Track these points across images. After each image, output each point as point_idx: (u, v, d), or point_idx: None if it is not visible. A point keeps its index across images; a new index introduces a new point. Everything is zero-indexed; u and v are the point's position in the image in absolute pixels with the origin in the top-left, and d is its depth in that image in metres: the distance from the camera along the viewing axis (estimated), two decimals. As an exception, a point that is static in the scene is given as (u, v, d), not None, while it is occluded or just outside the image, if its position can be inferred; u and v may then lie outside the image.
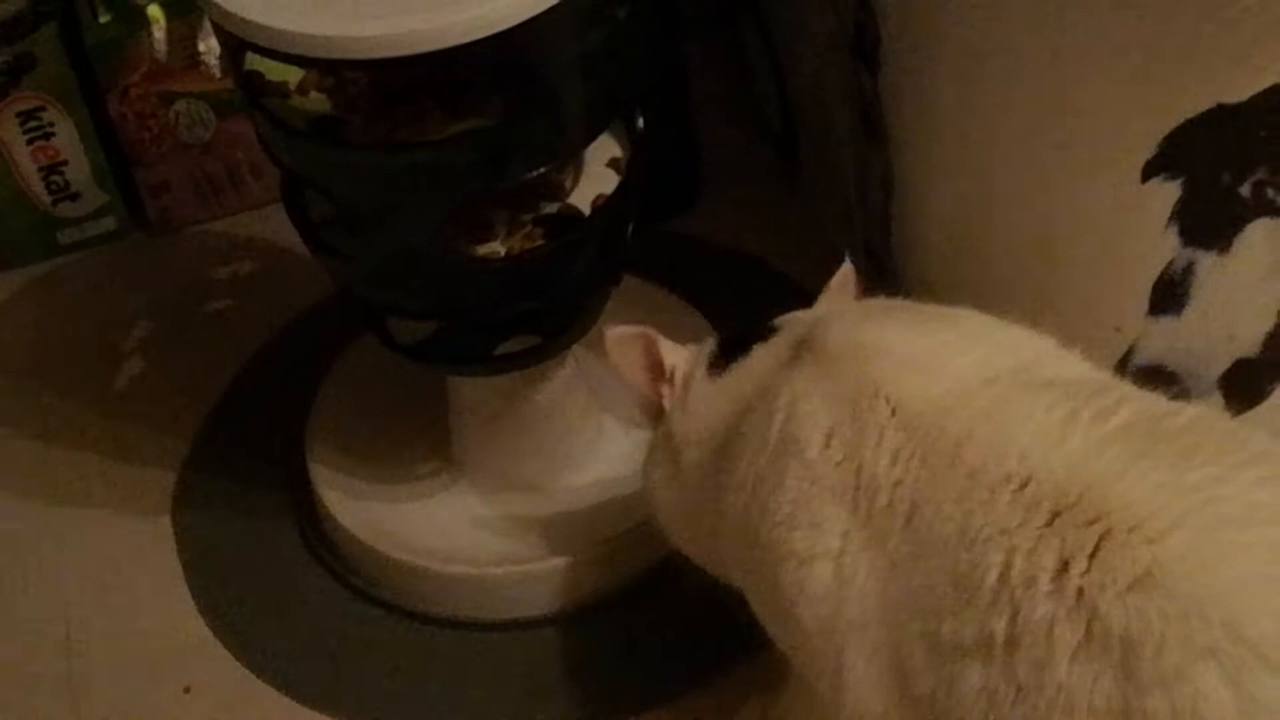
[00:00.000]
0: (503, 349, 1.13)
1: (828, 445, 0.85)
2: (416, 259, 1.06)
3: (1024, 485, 0.77)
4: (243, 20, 0.95)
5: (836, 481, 0.84)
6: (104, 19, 1.44)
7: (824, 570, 0.84)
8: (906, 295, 1.12)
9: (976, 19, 1.00)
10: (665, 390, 1.00)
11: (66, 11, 1.44)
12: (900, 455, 0.82)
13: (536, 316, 1.12)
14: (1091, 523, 0.74)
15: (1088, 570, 0.74)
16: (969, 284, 1.12)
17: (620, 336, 1.00)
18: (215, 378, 1.38)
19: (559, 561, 1.19)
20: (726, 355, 0.97)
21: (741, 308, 1.35)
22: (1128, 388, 0.85)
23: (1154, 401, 0.83)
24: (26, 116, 1.45)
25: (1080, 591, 0.74)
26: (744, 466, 0.90)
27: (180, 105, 1.47)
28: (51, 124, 1.46)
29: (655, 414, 1.02)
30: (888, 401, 0.83)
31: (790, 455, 0.86)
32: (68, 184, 1.50)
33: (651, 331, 1.00)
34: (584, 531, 1.20)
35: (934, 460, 0.81)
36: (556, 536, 1.20)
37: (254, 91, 1.04)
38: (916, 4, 1.04)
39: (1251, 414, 1.13)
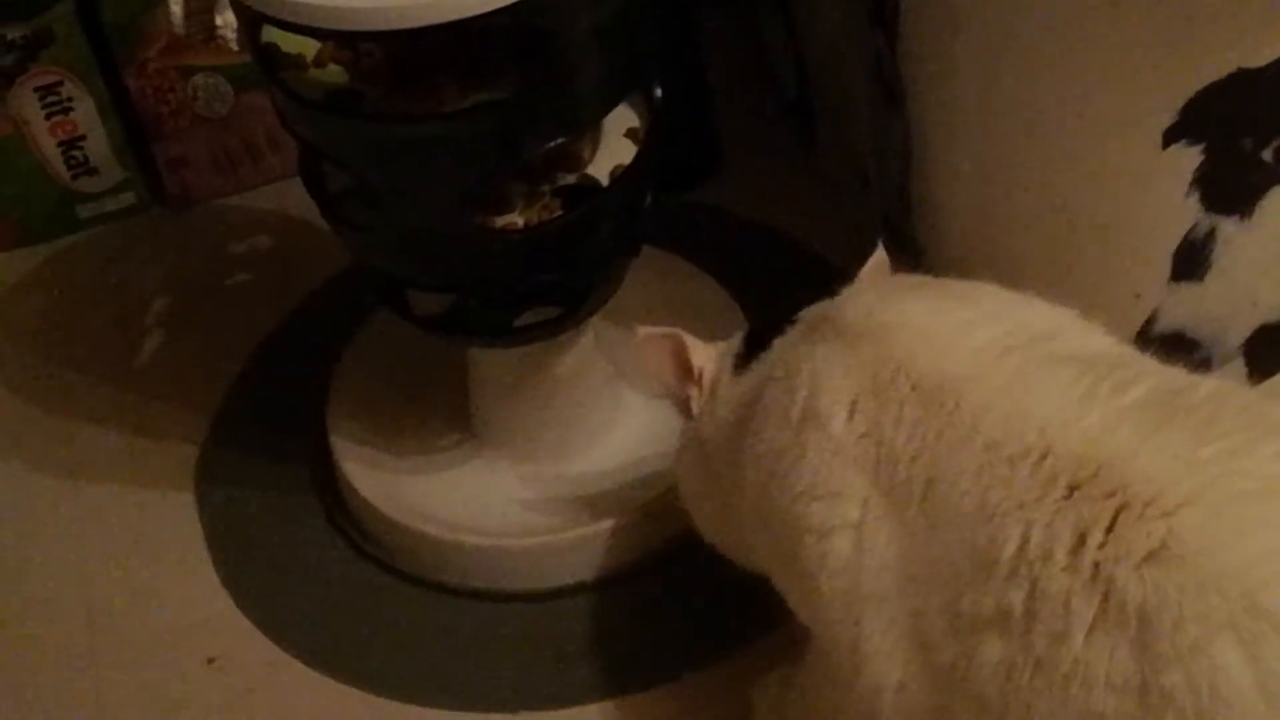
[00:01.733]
0: (522, 321, 1.13)
1: (851, 418, 0.85)
2: (434, 232, 1.06)
3: (1042, 458, 0.77)
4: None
5: (859, 453, 0.84)
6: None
7: (843, 543, 0.84)
8: (926, 267, 1.12)
9: None
10: (693, 392, 1.00)
11: (85, -15, 1.44)
12: (919, 429, 0.82)
13: (556, 288, 1.12)
14: (1108, 496, 0.74)
15: (1104, 544, 0.73)
16: (989, 253, 1.12)
17: (650, 338, 1.01)
18: (235, 352, 1.38)
19: (579, 532, 1.19)
20: (750, 352, 0.97)
21: (759, 277, 1.36)
22: (1148, 361, 0.85)
23: (1173, 375, 0.83)
24: (45, 91, 1.45)
25: (1096, 565, 0.73)
26: (765, 441, 0.90)
27: (198, 79, 1.47)
28: (70, 99, 1.46)
29: (686, 413, 1.02)
30: (907, 376, 0.83)
31: (813, 428, 0.86)
32: (87, 159, 1.50)
33: (680, 333, 1.01)
34: (605, 502, 1.20)
35: (951, 434, 0.81)
36: (577, 507, 1.20)
37: (271, 64, 1.04)
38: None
39: (1276, 380, 1.13)
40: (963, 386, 0.82)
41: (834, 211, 1.39)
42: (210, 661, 1.17)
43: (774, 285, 1.32)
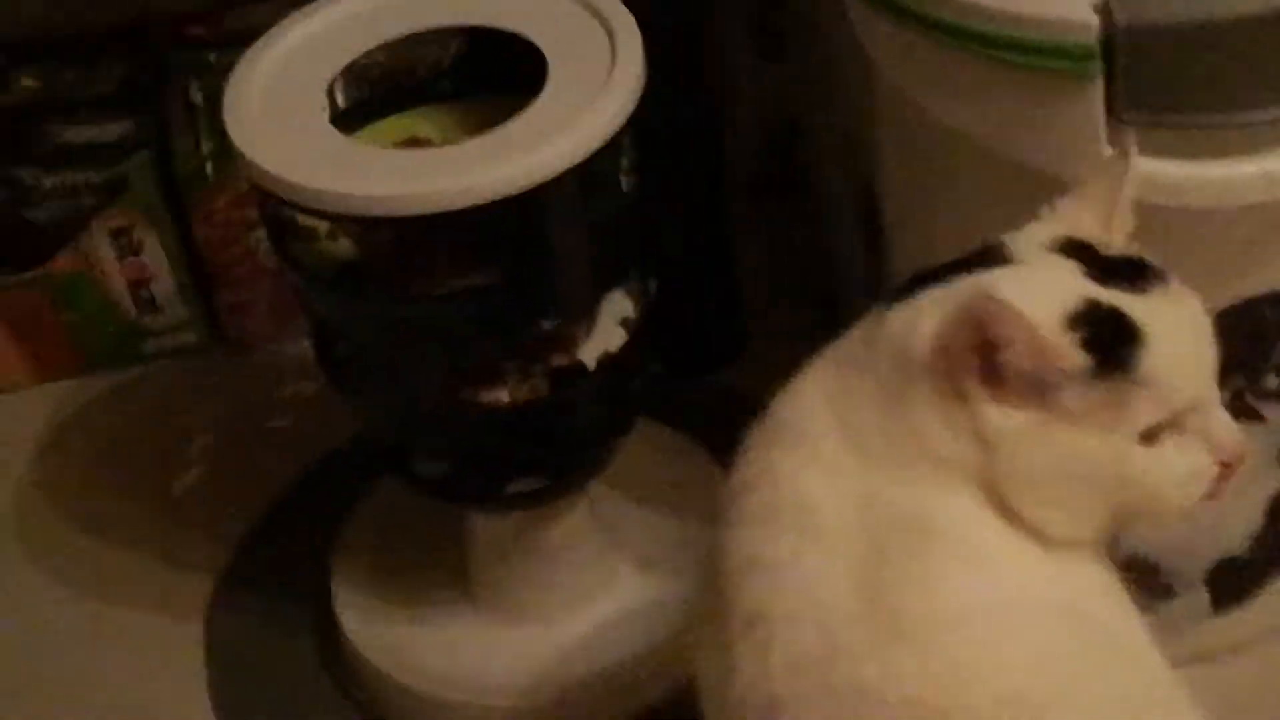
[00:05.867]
0: (512, 489, 1.19)
1: None
2: (423, 403, 1.12)
3: None
4: (276, 178, 1.03)
5: None
6: (206, 146, 1.54)
7: None
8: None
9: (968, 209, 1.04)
10: None
11: (161, 139, 1.54)
12: None
13: (544, 460, 1.18)
14: None
15: None
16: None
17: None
18: (265, 492, 1.46)
19: (563, 695, 1.23)
20: None
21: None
22: None
23: None
24: (117, 234, 1.55)
25: None
26: None
27: (261, 231, 1.56)
28: (140, 241, 1.56)
29: None
30: None
31: None
32: (154, 298, 1.59)
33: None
34: (590, 667, 1.24)
35: None
36: (563, 671, 1.24)
37: (281, 233, 1.11)
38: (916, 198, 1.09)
39: (1238, 612, 1.14)
40: None
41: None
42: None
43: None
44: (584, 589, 1.27)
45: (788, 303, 1.56)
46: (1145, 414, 0.77)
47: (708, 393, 1.48)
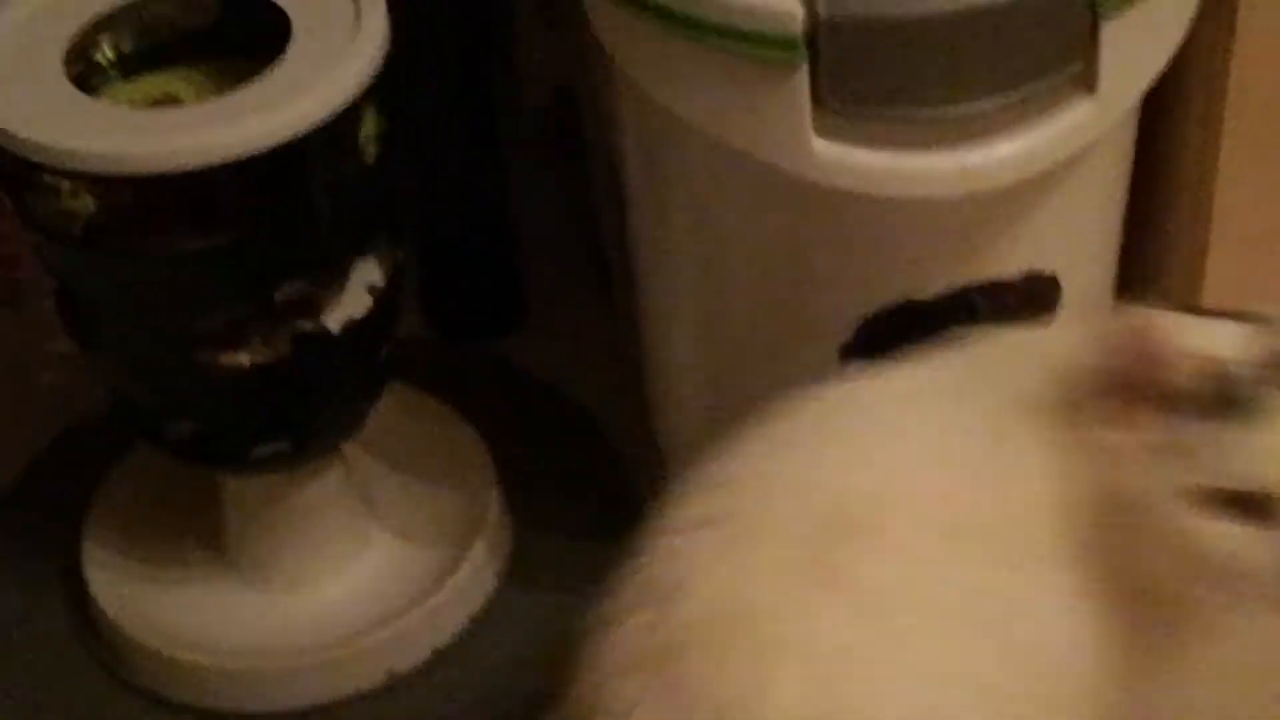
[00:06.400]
0: (259, 452, 1.19)
1: None
2: (164, 364, 1.12)
3: None
4: (11, 135, 1.03)
5: None
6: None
7: None
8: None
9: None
10: None
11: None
12: None
13: (288, 425, 1.18)
14: None
15: None
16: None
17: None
18: (31, 447, 1.44)
19: (310, 659, 1.24)
20: None
21: (527, 434, 1.41)
22: None
23: None
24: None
25: None
26: None
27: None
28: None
29: None
30: None
31: None
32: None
33: None
34: (336, 632, 1.25)
35: None
36: (307, 635, 1.25)
37: (20, 193, 1.10)
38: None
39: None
40: None
41: (625, 377, 1.44)
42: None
43: (539, 443, 1.39)
44: (335, 554, 1.28)
45: (574, 275, 1.57)
46: None
47: (483, 361, 1.49)
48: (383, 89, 1.07)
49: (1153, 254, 1.15)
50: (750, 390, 1.11)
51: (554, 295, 1.54)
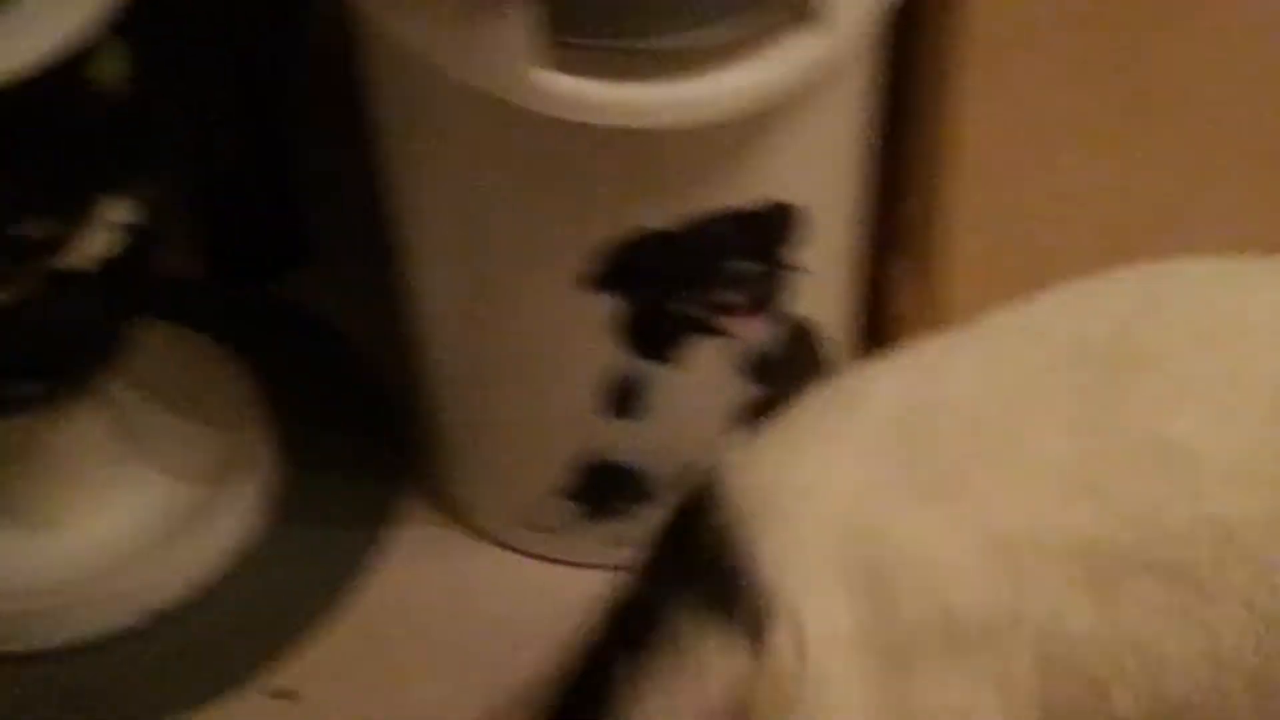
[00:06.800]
0: (10, 391, 1.17)
1: None
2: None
3: None
4: None
5: None
6: None
7: None
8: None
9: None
10: None
11: None
12: None
13: (39, 364, 1.17)
14: None
15: None
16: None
17: None
18: None
19: (65, 597, 1.23)
20: None
21: (298, 373, 1.40)
22: None
23: None
24: None
25: None
26: None
27: None
28: None
29: None
30: None
31: None
32: None
33: None
34: (100, 571, 1.24)
35: None
36: (68, 572, 1.24)
37: None
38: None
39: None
40: None
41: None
42: None
43: (311, 381, 1.38)
44: (97, 494, 1.27)
45: (360, 211, 1.55)
46: None
47: (257, 299, 1.48)
48: (132, 24, 1.05)
49: (899, 181, 1.18)
50: (504, 326, 1.14)
51: (337, 232, 1.53)
